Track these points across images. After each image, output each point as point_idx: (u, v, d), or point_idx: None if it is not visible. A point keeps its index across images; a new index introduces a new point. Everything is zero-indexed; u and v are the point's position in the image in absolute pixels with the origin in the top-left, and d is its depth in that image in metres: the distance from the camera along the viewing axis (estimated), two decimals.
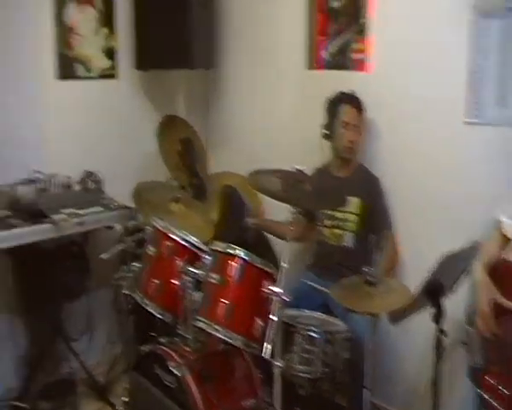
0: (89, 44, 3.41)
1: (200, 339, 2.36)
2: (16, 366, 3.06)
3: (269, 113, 3.37)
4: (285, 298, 2.09)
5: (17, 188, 2.90)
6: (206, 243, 2.46)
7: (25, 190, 2.90)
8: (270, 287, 2.14)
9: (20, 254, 2.82)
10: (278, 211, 2.48)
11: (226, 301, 2.21)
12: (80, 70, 3.38)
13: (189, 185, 3.07)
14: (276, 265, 2.24)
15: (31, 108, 3.14)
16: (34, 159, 3.05)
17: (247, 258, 2.25)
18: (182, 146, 3.09)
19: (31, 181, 2.94)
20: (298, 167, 2.30)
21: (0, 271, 2.94)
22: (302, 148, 3.09)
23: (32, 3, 3.12)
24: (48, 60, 3.22)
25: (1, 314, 3.00)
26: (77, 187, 3.03)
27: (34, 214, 2.77)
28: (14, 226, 2.68)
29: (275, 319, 2.07)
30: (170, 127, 3.15)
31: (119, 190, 3.03)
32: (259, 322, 2.20)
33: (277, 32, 3.33)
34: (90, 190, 3.03)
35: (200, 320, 2.24)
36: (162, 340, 2.46)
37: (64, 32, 3.28)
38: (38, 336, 2.99)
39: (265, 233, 3.07)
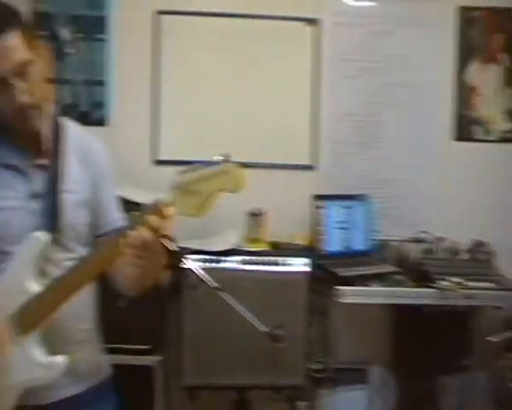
0: (490, 105, 3.24)
1: None
2: None
3: None
4: None
5: (405, 245, 2.93)
6: None
7: (412, 248, 2.91)
8: None
9: (400, 310, 2.84)
10: None
11: None
12: (478, 132, 3.24)
13: None
14: None
15: (425, 167, 3.15)
16: (423, 218, 3.04)
17: None
18: None
19: (418, 240, 2.93)
20: None
21: (381, 324, 3.00)
22: None
23: (434, 64, 3.14)
24: (445, 120, 3.19)
25: (376, 365, 3.03)
26: (465, 255, 2.88)
27: (420, 276, 2.73)
28: (401, 284, 2.69)
29: None
30: None
31: None
32: None
33: None
34: (479, 261, 2.83)
35: None
36: None
37: (465, 93, 3.20)
38: (407, 397, 2.92)
39: None
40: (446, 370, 2.83)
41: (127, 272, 1.44)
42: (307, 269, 2.64)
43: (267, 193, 2.92)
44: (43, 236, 1.44)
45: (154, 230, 1.29)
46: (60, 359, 1.43)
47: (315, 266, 2.67)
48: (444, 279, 2.66)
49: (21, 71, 1.39)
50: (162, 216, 1.29)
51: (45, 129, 1.51)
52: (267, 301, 2.53)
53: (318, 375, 2.76)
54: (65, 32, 2.82)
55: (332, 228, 2.85)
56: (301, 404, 2.80)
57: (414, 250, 2.89)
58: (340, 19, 3.05)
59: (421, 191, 3.13)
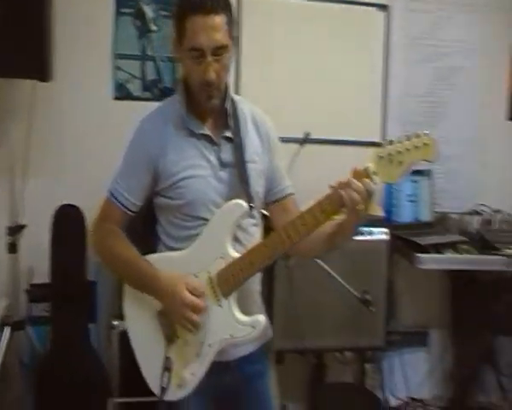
0: None
1: None
2: (443, 378, 3.30)
3: None
4: None
5: (464, 217, 3.14)
6: None
7: (471, 220, 3.12)
8: None
9: (459, 277, 3.07)
10: None
11: None
12: None
13: None
14: None
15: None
16: (480, 192, 3.26)
17: None
18: None
19: (476, 213, 3.15)
20: None
21: (442, 289, 3.22)
22: None
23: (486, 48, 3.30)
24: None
25: (434, 328, 3.28)
26: None
27: (483, 245, 2.93)
28: (470, 252, 2.88)
29: None
30: None
31: None
32: None
33: None
34: None
35: None
36: None
37: None
38: (465, 358, 3.16)
39: None
40: (506, 332, 3.07)
41: (324, 232, 1.58)
42: (386, 238, 2.81)
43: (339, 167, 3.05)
44: (243, 204, 1.56)
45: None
46: (261, 317, 1.55)
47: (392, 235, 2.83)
48: (508, 248, 2.87)
49: (219, 52, 1.51)
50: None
51: (227, 104, 1.63)
52: (351, 269, 2.68)
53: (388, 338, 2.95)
54: (149, 10, 2.87)
55: (402, 201, 3.04)
56: (369, 366, 3.02)
57: (473, 222, 3.10)
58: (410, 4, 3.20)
59: (478, 166, 3.32)
